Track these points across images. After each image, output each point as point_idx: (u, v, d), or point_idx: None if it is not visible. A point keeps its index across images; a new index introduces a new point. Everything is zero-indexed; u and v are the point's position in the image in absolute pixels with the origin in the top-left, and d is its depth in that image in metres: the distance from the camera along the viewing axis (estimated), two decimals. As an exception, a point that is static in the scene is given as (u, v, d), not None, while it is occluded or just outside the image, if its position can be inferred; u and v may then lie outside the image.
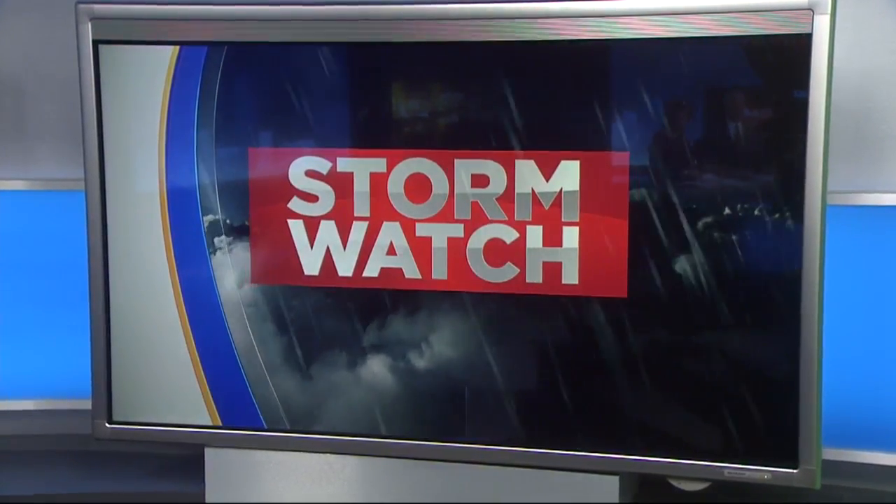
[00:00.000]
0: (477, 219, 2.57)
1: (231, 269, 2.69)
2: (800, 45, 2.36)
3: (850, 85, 2.68)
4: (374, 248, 2.62)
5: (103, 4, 2.66)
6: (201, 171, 2.68)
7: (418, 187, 2.59)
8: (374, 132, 2.65)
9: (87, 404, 2.81)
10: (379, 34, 2.57)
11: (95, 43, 2.66)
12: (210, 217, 2.69)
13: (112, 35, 2.66)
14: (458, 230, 2.58)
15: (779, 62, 2.39)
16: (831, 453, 2.63)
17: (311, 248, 2.65)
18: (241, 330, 2.70)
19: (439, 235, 2.59)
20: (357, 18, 2.57)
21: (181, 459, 2.93)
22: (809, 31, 2.35)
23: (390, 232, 2.61)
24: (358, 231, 2.63)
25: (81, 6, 2.66)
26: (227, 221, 2.69)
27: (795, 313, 2.41)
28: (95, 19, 2.65)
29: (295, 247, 2.66)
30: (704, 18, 2.40)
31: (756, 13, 2.37)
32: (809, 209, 2.39)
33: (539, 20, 2.48)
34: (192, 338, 2.73)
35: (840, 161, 2.60)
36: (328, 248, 2.64)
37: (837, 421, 2.62)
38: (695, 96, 2.47)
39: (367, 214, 2.62)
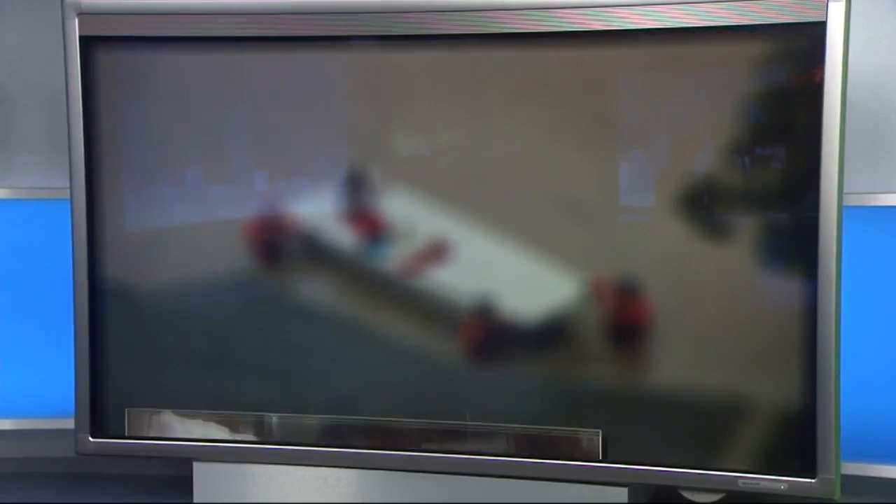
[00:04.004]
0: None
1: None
2: (813, 35, 2.29)
3: (866, 83, 2.63)
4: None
5: (92, -1, 2.61)
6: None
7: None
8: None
9: (70, 423, 2.73)
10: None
11: (83, 40, 2.59)
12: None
13: (101, 31, 2.59)
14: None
15: (791, 53, 2.32)
16: (849, 467, 2.54)
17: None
18: (232, 338, 2.63)
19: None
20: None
21: (169, 479, 2.84)
22: (823, 20, 2.28)
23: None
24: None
25: (68, 0, 2.59)
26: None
27: (812, 318, 2.33)
28: (83, 14, 2.58)
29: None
30: (711, 8, 2.34)
31: (766, 0, 2.31)
32: (825, 210, 2.31)
33: (541, 11, 2.42)
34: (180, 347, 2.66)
35: (857, 161, 2.56)
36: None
37: (854, 432, 2.53)
38: (701, 91, 2.39)
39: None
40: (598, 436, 2.47)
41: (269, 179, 2.61)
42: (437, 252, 2.53)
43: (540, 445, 2.51)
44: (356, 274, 2.57)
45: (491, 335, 2.52)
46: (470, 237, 2.51)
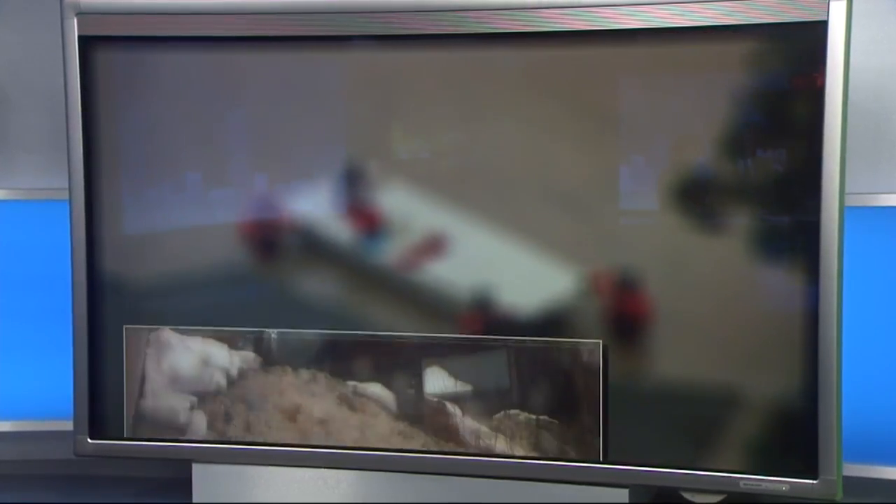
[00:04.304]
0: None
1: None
2: (814, 34, 2.27)
3: (868, 83, 2.61)
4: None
5: (91, -2, 2.59)
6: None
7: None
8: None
9: (69, 425, 2.71)
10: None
11: (82, 40, 2.57)
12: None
13: (100, 31, 2.58)
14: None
15: (792, 53, 2.31)
16: (851, 469, 2.51)
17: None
18: (227, 340, 2.61)
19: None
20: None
21: (168, 481, 2.82)
22: (825, 19, 2.26)
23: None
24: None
25: (67, 0, 2.57)
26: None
27: (813, 319, 2.32)
28: (82, 14, 2.57)
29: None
30: (711, 7, 2.32)
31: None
32: (826, 211, 2.29)
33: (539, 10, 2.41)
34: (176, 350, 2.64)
35: (859, 161, 2.54)
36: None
37: (856, 434, 2.50)
38: (701, 91, 2.37)
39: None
40: (599, 347, 2.45)
41: (267, 178, 2.59)
42: (434, 247, 2.52)
43: (540, 358, 2.48)
44: (354, 269, 2.56)
45: (489, 328, 2.52)
46: (466, 232, 2.50)
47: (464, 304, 2.51)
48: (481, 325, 2.51)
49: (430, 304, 2.53)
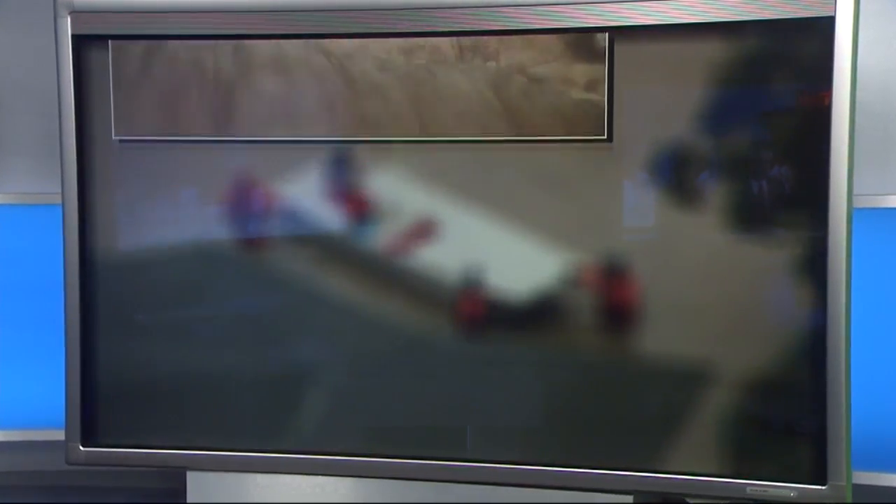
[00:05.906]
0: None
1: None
2: (821, 30, 2.24)
3: (875, 83, 2.61)
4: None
5: (84, -5, 2.57)
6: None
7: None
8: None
9: (62, 435, 2.68)
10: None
11: (75, 38, 2.54)
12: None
13: (94, 30, 2.55)
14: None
15: (798, 49, 2.28)
16: (860, 477, 2.52)
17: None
18: (225, 345, 2.58)
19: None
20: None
21: (163, 491, 2.83)
22: (832, 15, 2.24)
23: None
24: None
25: (60, -2, 2.58)
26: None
27: (821, 321, 2.29)
28: (75, 13, 2.54)
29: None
30: (713, 4, 2.30)
31: (771, -6, 2.29)
32: (834, 212, 2.26)
33: (540, 7, 2.39)
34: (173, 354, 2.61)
35: (866, 162, 2.53)
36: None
37: (865, 440, 2.50)
38: (704, 89, 2.34)
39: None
40: None
41: (265, 174, 2.57)
42: (425, 230, 2.50)
43: None
44: (349, 256, 2.53)
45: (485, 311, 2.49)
46: (457, 216, 2.48)
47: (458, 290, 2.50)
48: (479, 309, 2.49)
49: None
